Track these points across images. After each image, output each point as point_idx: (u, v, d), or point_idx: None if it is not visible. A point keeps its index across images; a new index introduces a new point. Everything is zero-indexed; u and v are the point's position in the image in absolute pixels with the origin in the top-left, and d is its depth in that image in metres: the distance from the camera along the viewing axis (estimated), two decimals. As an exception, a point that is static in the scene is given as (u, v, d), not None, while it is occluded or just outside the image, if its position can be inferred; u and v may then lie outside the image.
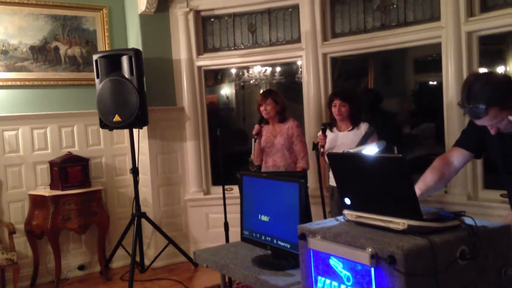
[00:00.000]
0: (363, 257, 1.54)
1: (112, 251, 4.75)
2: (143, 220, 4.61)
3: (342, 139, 3.79)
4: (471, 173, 3.86)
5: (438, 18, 4.05)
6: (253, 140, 4.12)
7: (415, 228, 1.58)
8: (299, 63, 4.97)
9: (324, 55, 4.65)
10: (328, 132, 3.86)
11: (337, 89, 4.31)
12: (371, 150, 2.07)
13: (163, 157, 4.96)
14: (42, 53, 4.70)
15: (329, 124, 3.96)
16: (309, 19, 4.66)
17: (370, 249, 1.52)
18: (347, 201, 1.82)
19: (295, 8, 4.82)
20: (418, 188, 2.12)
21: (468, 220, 1.63)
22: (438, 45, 4.02)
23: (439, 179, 2.18)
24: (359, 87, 5.21)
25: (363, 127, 3.82)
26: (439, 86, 4.07)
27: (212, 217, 5.04)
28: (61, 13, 4.81)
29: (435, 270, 1.48)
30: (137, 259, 4.52)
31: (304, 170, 4.10)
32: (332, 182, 3.70)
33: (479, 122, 2.03)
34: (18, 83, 4.55)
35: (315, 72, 4.66)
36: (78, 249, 4.78)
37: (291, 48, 4.84)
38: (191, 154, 5.04)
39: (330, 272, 1.70)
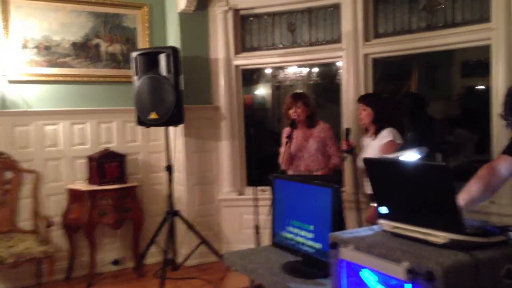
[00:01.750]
0: (398, 271, 1.43)
1: (145, 248, 4.77)
2: (177, 218, 4.61)
3: (367, 146, 3.67)
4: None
5: (487, 19, 3.85)
6: (285, 144, 4.00)
7: (456, 243, 1.46)
8: (339, 64, 4.84)
9: (365, 55, 4.51)
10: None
11: (364, 95, 4.14)
12: (411, 156, 1.95)
13: (198, 155, 4.95)
14: (84, 50, 4.77)
15: (366, 129, 3.83)
16: (350, 19, 4.53)
17: (406, 263, 1.42)
18: (384, 209, 1.72)
19: (336, 7, 4.70)
20: (462, 198, 1.98)
21: (516, 236, 1.50)
22: (486, 48, 3.82)
23: (485, 189, 2.03)
24: (401, 90, 5.03)
25: (384, 133, 3.65)
26: (486, 91, 3.87)
27: (245, 218, 4.98)
28: (103, 10, 4.87)
29: (478, 289, 1.37)
30: (171, 256, 4.51)
31: (336, 167, 4.01)
32: (369, 190, 3.57)
33: None
34: (60, 78, 4.64)
35: (355, 73, 4.53)
36: (113, 244, 4.83)
37: (331, 48, 4.72)
38: (226, 153, 5.00)
39: (361, 285, 1.61)
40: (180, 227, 4.78)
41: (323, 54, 4.79)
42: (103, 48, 4.86)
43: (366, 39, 4.52)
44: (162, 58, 4.36)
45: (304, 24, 4.87)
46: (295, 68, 5.33)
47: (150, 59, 4.41)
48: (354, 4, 4.51)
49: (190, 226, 4.68)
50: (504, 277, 1.42)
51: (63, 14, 4.68)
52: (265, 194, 4.82)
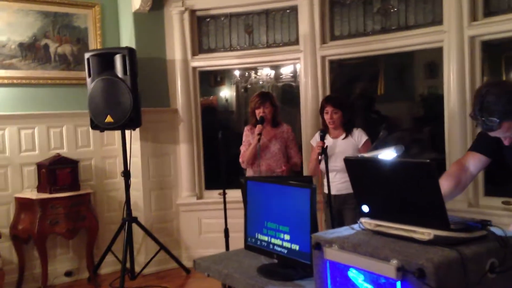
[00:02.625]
0: (388, 269, 1.43)
1: (101, 257, 4.57)
2: (134, 225, 4.46)
3: (339, 148, 3.68)
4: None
5: (439, 22, 3.99)
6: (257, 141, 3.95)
7: (442, 239, 1.48)
8: (298, 66, 4.86)
9: (323, 57, 4.56)
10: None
11: (329, 95, 4.17)
12: (388, 155, 1.96)
13: (155, 160, 4.82)
14: (31, 51, 4.52)
15: (326, 130, 3.84)
16: (307, 21, 4.56)
17: (395, 261, 1.42)
18: (365, 208, 1.71)
19: (293, 9, 4.72)
20: None
21: (496, 231, 1.53)
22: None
23: (456, 186, 2.08)
24: (356, 92, 5.12)
25: (357, 133, 3.71)
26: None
27: (205, 222, 4.91)
28: (52, 9, 4.64)
29: (466, 284, 1.38)
30: (127, 265, 4.36)
31: (296, 166, 4.05)
32: (335, 191, 3.58)
33: (492, 134, 1.97)
34: (6, 81, 4.37)
35: (313, 75, 4.56)
36: (66, 255, 4.59)
37: (289, 50, 4.74)
38: (184, 157, 4.90)
39: (348, 285, 1.59)
40: (137, 234, 4.63)
41: (281, 56, 4.79)
42: (52, 49, 4.64)
43: (323, 41, 4.57)
44: (118, 59, 4.21)
45: (261, 25, 4.86)
46: (268, 69, 5.28)
47: (104, 60, 4.25)
48: (311, 6, 4.54)
49: (148, 233, 4.54)
50: (489, 271, 1.44)
51: (9, 13, 4.42)
52: (226, 197, 4.76)
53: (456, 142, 3.85)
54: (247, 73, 5.37)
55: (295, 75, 5.27)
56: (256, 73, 5.37)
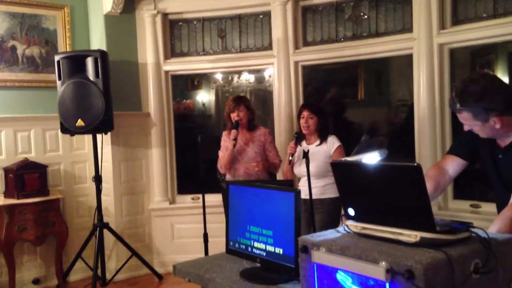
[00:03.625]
0: (377, 271, 1.45)
1: (70, 264, 4.47)
2: (105, 231, 4.37)
3: (312, 154, 3.70)
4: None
5: (409, 30, 4.10)
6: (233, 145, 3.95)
7: (428, 241, 1.51)
8: (269, 71, 4.89)
9: (296, 63, 4.61)
10: (298, 146, 3.78)
11: (307, 101, 4.21)
12: (372, 158, 2.01)
13: (126, 164, 4.74)
14: (-2, 52, 4.40)
15: (302, 133, 3.87)
16: (280, 27, 4.60)
17: (385, 263, 1.45)
18: (351, 211, 1.74)
19: (266, 15, 4.76)
20: None
21: (479, 232, 1.58)
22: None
23: (435, 189, 2.14)
24: (329, 97, 5.17)
25: (331, 140, 3.75)
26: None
27: (177, 227, 4.86)
28: (19, 10, 4.52)
29: (453, 285, 1.43)
30: (98, 271, 4.27)
31: (274, 167, 4.07)
32: (304, 195, 3.58)
33: (459, 116, 2.06)
34: (-29, 83, 4.24)
35: (287, 80, 4.60)
36: (33, 262, 4.46)
37: (262, 55, 4.76)
38: (157, 161, 4.84)
39: (336, 287, 1.61)
40: (108, 240, 4.55)
41: (254, 60, 4.81)
42: (19, 50, 4.51)
43: (296, 46, 4.62)
44: (89, 62, 4.13)
45: (234, 30, 4.88)
46: (246, 74, 5.26)
47: (75, 63, 4.17)
48: (284, 12, 4.59)
49: (120, 239, 4.46)
50: (473, 272, 1.49)
51: (-26, 12, 4.28)
52: (197, 202, 4.75)
53: (425, 147, 3.95)
54: (229, 77, 5.34)
55: (263, 81, 5.28)
56: (234, 77, 5.34)
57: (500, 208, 2.15)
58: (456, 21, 3.89)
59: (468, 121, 2.03)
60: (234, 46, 4.88)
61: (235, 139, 3.81)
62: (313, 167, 3.56)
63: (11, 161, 4.32)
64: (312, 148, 3.70)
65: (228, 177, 3.95)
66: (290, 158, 3.62)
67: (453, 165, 2.20)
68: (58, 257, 4.37)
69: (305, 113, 3.74)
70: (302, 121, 3.75)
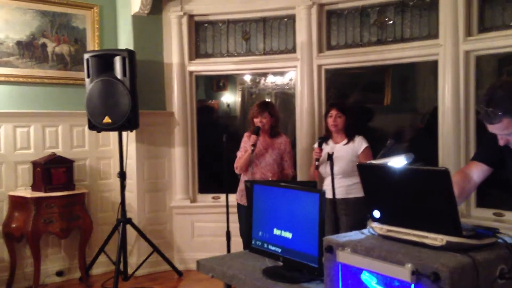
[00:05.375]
0: (402, 273, 1.49)
1: (93, 257, 4.57)
2: (127, 227, 4.46)
3: (339, 153, 3.73)
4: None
5: (435, 36, 4.10)
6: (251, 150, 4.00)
7: (454, 245, 1.54)
8: (292, 73, 4.92)
9: (319, 66, 4.64)
10: (323, 145, 3.82)
11: (336, 100, 4.23)
12: (398, 162, 2.03)
13: (150, 162, 4.83)
14: (29, 49, 4.52)
15: (325, 137, 3.91)
16: (305, 30, 4.64)
17: (410, 265, 1.48)
18: (376, 214, 1.78)
19: (291, 18, 4.80)
20: None
21: (506, 238, 1.60)
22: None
23: (460, 194, 2.15)
24: (351, 101, 5.18)
25: (358, 140, 3.79)
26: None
27: (197, 226, 4.93)
28: (50, 9, 4.64)
29: (478, 288, 1.45)
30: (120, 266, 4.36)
31: (288, 178, 4.07)
32: (329, 195, 3.64)
33: (490, 128, 2.01)
34: (2, 78, 4.36)
35: (309, 83, 4.64)
36: (57, 254, 4.57)
37: (286, 58, 4.80)
38: (179, 160, 4.92)
39: (359, 287, 1.65)
40: (130, 235, 4.63)
41: (277, 63, 4.85)
42: (50, 48, 4.63)
43: (320, 50, 4.65)
44: (117, 61, 4.23)
45: (259, 33, 4.93)
46: (272, 77, 5.29)
47: (103, 61, 4.27)
48: (309, 15, 4.62)
49: (142, 234, 4.54)
50: (499, 277, 1.51)
51: (7, 11, 4.41)
52: (219, 201, 4.81)
53: (449, 155, 3.93)
54: (256, 79, 5.38)
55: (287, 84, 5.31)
56: (261, 80, 5.38)
57: None
58: (482, 29, 3.87)
59: (508, 128, 1.98)
60: (258, 48, 4.93)
61: (254, 145, 3.85)
62: (339, 167, 3.62)
63: (39, 155, 4.44)
64: (339, 147, 3.74)
65: (245, 178, 3.96)
66: (317, 163, 3.66)
67: (478, 172, 2.20)
68: (81, 251, 4.47)
69: (333, 112, 3.78)
70: (330, 120, 3.79)
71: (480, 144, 2.35)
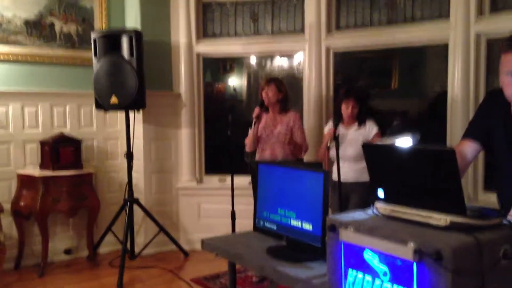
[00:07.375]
0: (405, 251, 1.48)
1: (101, 236, 4.62)
2: (134, 207, 4.49)
3: (351, 136, 3.72)
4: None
5: (446, 16, 4.02)
6: (253, 124, 3.99)
7: (458, 225, 1.52)
8: (299, 57, 4.86)
9: (328, 48, 4.59)
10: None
11: (352, 89, 4.07)
12: (405, 142, 2.01)
13: (156, 143, 4.84)
14: (37, 28, 4.51)
15: (340, 120, 3.86)
16: (314, 10, 4.59)
17: (413, 244, 1.47)
18: (380, 193, 1.76)
19: (300, -1, 4.74)
20: None
21: (511, 219, 1.59)
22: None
23: None
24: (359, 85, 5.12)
25: (369, 125, 3.76)
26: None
27: (204, 207, 4.95)
28: (58, -13, 4.62)
29: (482, 269, 1.44)
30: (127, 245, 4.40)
31: (300, 148, 4.03)
32: (335, 177, 3.64)
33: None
34: (11, 57, 4.36)
35: (317, 66, 4.60)
36: (65, 233, 4.63)
37: (294, 39, 4.76)
38: (185, 142, 4.93)
39: (363, 266, 1.64)
40: (137, 215, 4.67)
41: (285, 44, 4.81)
42: (57, 27, 4.62)
43: (329, 30, 4.59)
44: (125, 41, 4.22)
45: (267, 14, 4.88)
46: (278, 59, 5.24)
47: (110, 41, 4.26)
48: (318, -4, 4.56)
49: (149, 214, 4.58)
50: (502, 258, 1.50)
51: (15, -11, 4.40)
52: (225, 183, 4.82)
53: (458, 139, 3.88)
54: (262, 62, 5.33)
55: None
56: (267, 63, 5.32)
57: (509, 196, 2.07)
58: (495, 9, 3.80)
59: None
60: (266, 29, 4.89)
61: (258, 117, 3.84)
62: (351, 151, 3.64)
63: (47, 134, 4.46)
64: (351, 132, 3.74)
65: (257, 157, 3.96)
66: (329, 144, 3.64)
67: (470, 149, 2.14)
68: (89, 230, 4.51)
69: (351, 103, 3.73)
70: (346, 109, 3.74)
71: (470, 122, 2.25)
